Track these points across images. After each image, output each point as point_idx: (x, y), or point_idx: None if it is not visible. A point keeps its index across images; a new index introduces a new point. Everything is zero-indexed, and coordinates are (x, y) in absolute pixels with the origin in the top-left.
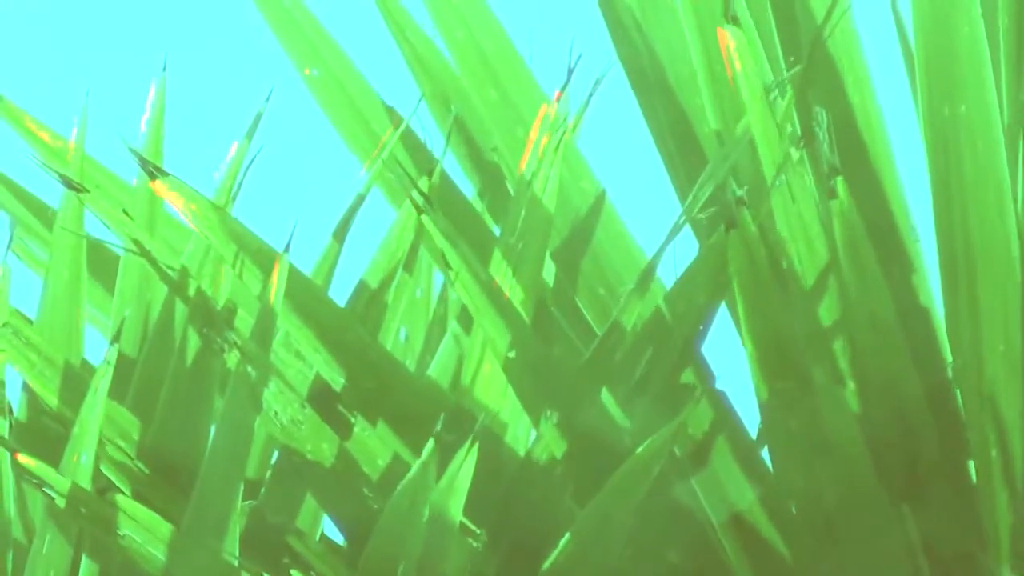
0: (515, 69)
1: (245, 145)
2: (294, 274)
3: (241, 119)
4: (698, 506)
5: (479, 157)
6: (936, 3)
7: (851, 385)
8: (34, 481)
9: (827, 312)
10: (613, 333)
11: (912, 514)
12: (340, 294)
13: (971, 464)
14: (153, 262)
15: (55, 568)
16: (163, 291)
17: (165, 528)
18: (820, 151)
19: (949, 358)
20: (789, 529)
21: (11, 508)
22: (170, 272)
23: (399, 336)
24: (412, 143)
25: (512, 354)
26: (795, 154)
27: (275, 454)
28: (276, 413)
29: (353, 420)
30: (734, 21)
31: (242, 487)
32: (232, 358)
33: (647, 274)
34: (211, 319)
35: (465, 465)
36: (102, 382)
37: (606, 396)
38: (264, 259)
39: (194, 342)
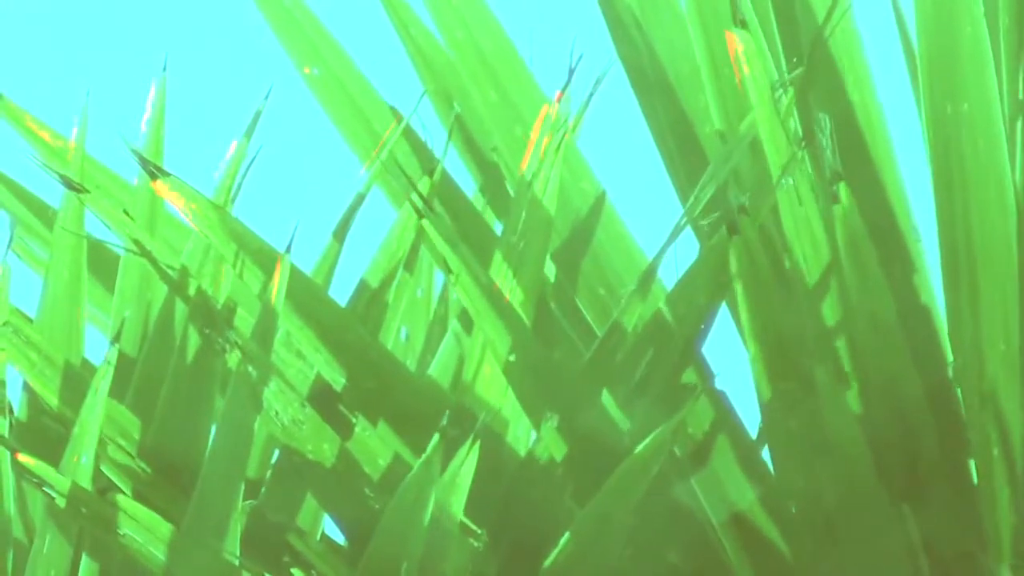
0: (515, 69)
1: (245, 144)
2: (295, 274)
3: (241, 118)
4: (698, 506)
5: (479, 157)
6: (938, 3)
7: (852, 385)
8: (34, 481)
9: (829, 312)
10: (614, 334)
11: (913, 514)
12: (341, 294)
13: (972, 464)
14: (153, 262)
15: (55, 567)
16: (163, 291)
17: (165, 528)
18: (823, 156)
19: (950, 357)
20: (789, 529)
21: (11, 507)
22: (170, 272)
23: (400, 336)
24: (413, 142)
25: (512, 357)
26: (798, 154)
27: (276, 454)
28: (277, 413)
29: (354, 420)
30: (742, 24)
31: (243, 487)
32: (233, 358)
33: (648, 276)
34: (211, 319)
35: (466, 464)
36: (102, 382)
37: (607, 397)
38: (265, 259)
39: (194, 342)
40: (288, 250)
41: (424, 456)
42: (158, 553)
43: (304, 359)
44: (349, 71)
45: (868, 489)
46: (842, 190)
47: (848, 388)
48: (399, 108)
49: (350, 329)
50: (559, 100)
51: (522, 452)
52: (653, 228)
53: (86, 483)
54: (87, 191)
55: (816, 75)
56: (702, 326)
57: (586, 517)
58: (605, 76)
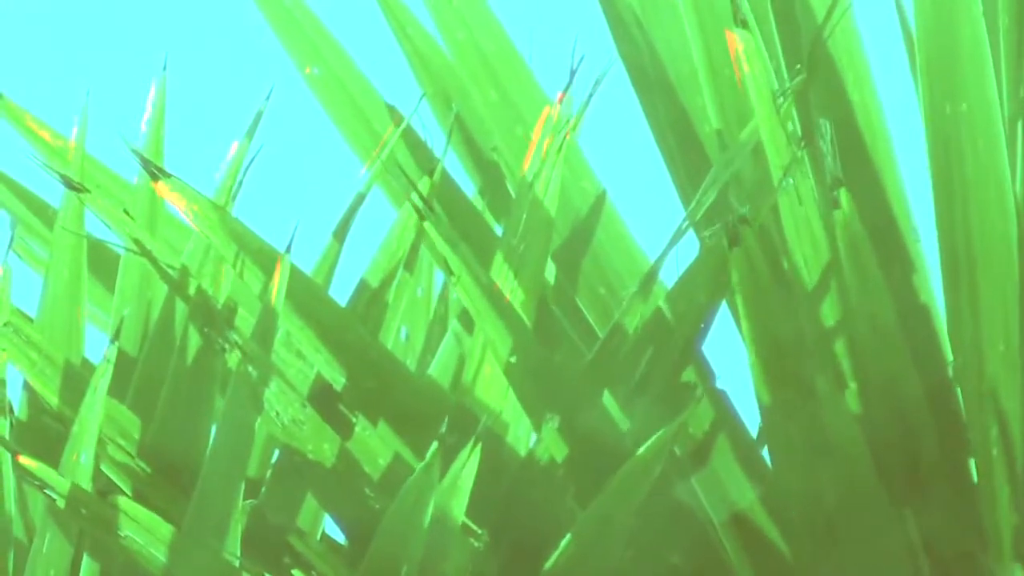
0: (515, 69)
1: (245, 144)
2: (295, 274)
3: (242, 118)
4: (699, 506)
5: (479, 156)
6: (938, 3)
7: (852, 385)
8: (35, 483)
9: (828, 313)
10: (615, 335)
11: (913, 514)
12: (341, 293)
13: (972, 463)
14: (153, 261)
15: (55, 567)
16: (164, 290)
17: (166, 529)
18: (824, 162)
19: (950, 357)
20: (790, 529)
21: (12, 507)
22: (171, 271)
23: (400, 335)
24: (413, 142)
25: (513, 358)
26: (799, 155)
27: (276, 454)
28: (277, 413)
29: (354, 420)
30: (743, 24)
31: (243, 487)
32: (233, 358)
33: (649, 278)
34: (212, 318)
35: (468, 466)
36: (102, 381)
37: (607, 397)
38: (265, 259)
39: (195, 341)
40: (288, 250)
41: (424, 462)
42: (158, 553)
43: (304, 359)
44: (350, 71)
45: (868, 489)
46: (843, 196)
47: (848, 389)
48: (399, 108)
49: (350, 329)
50: (560, 101)
51: (523, 452)
52: (653, 227)
53: (86, 483)
54: (87, 191)
55: (816, 75)
56: (702, 325)
57: (587, 519)
58: (606, 75)
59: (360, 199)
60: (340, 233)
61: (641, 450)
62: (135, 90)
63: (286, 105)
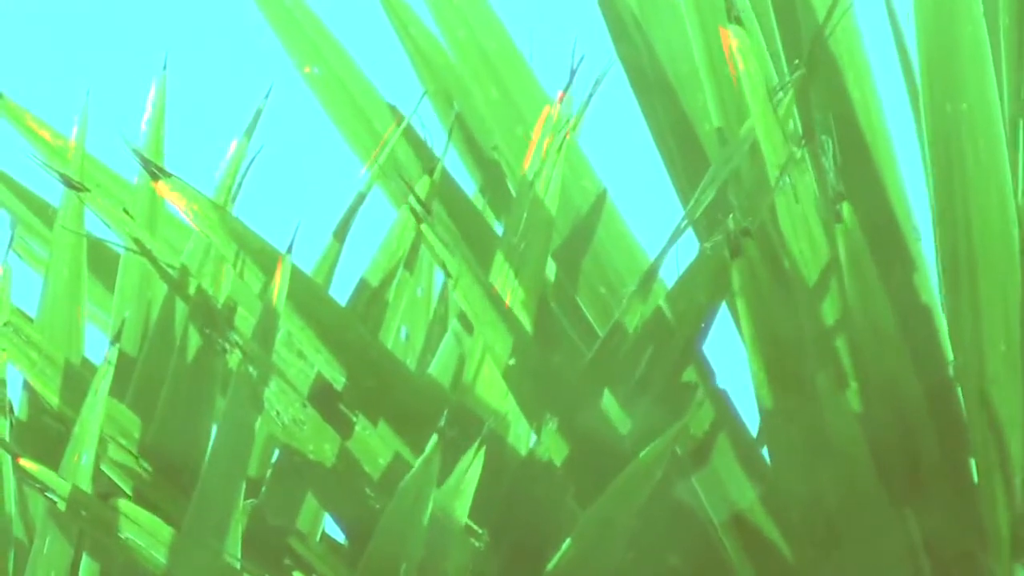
0: (516, 68)
1: (245, 144)
2: (295, 273)
3: (241, 118)
4: (699, 505)
5: (480, 156)
6: (938, 2)
7: (852, 385)
8: (36, 485)
9: (828, 312)
10: (615, 334)
11: (913, 513)
12: (341, 293)
13: (972, 463)
14: (154, 261)
15: (56, 568)
16: (164, 290)
17: (166, 531)
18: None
19: (950, 357)
20: (790, 529)
21: (12, 508)
22: (171, 271)
23: (400, 335)
24: (413, 141)
25: (512, 361)
26: (797, 153)
27: (276, 453)
28: (277, 412)
29: (354, 419)
30: (737, 21)
31: (244, 486)
32: (233, 357)
33: (649, 277)
34: (212, 318)
35: (471, 468)
36: (103, 381)
37: (608, 397)
38: (265, 258)
39: (195, 341)
40: (289, 250)
41: (422, 457)
42: (158, 554)
43: (305, 359)
44: (350, 70)
45: (869, 489)
46: (845, 209)
47: (848, 388)
48: (400, 107)
49: (350, 329)
50: (561, 100)
51: (524, 452)
52: (653, 226)
53: (86, 483)
54: (87, 190)
55: (816, 73)
56: (702, 324)
57: (589, 520)
58: (605, 76)
59: (360, 199)
60: (340, 233)
61: (643, 453)
62: (135, 90)
63: (286, 104)
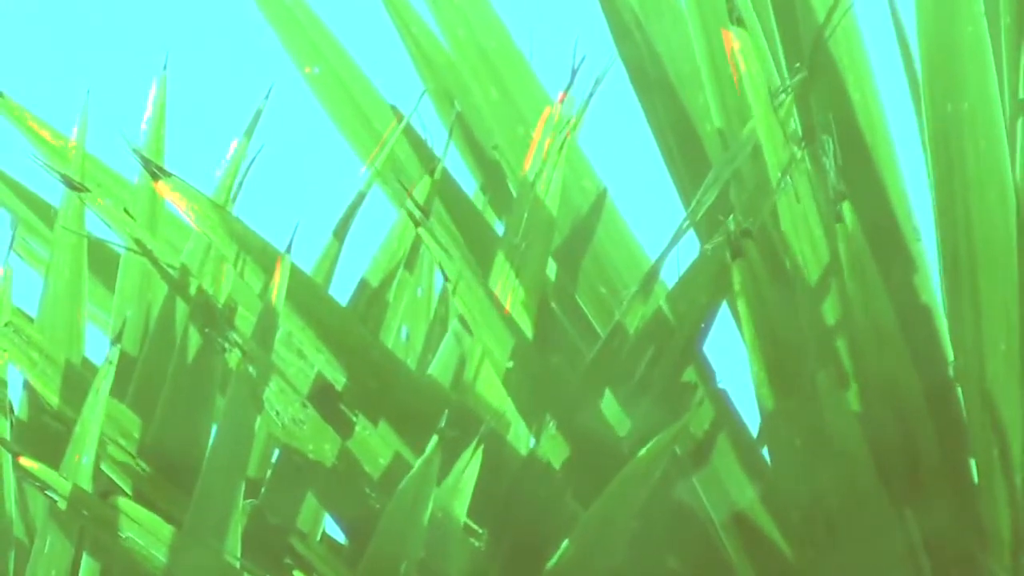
0: (516, 67)
1: (245, 143)
2: (295, 273)
3: (242, 117)
4: (700, 505)
5: (480, 155)
6: (939, 1)
7: (852, 385)
8: (36, 484)
9: (829, 312)
10: (616, 334)
11: (913, 513)
12: (341, 293)
13: (972, 463)
14: (154, 261)
15: (56, 567)
16: (164, 290)
17: (167, 530)
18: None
19: (951, 357)
20: (790, 528)
21: (12, 507)
22: (171, 271)
23: (400, 335)
24: (414, 141)
25: (510, 365)
26: (798, 154)
27: (276, 453)
28: (277, 412)
29: (354, 419)
30: (739, 22)
31: (244, 486)
32: (233, 357)
33: (650, 277)
34: (212, 318)
35: (470, 467)
36: (103, 381)
37: (608, 397)
38: (265, 258)
39: (195, 341)
40: (289, 249)
41: (423, 458)
42: (159, 554)
43: (305, 358)
44: (350, 70)
45: (869, 489)
46: (845, 209)
47: (848, 388)
48: (400, 107)
49: (351, 328)
50: (562, 100)
51: (524, 452)
52: (654, 226)
53: (87, 483)
54: (88, 190)
55: (817, 74)
56: (703, 325)
57: (589, 519)
58: (606, 75)
59: (360, 198)
60: (340, 232)
61: (643, 452)
62: (136, 89)
63: (286, 104)
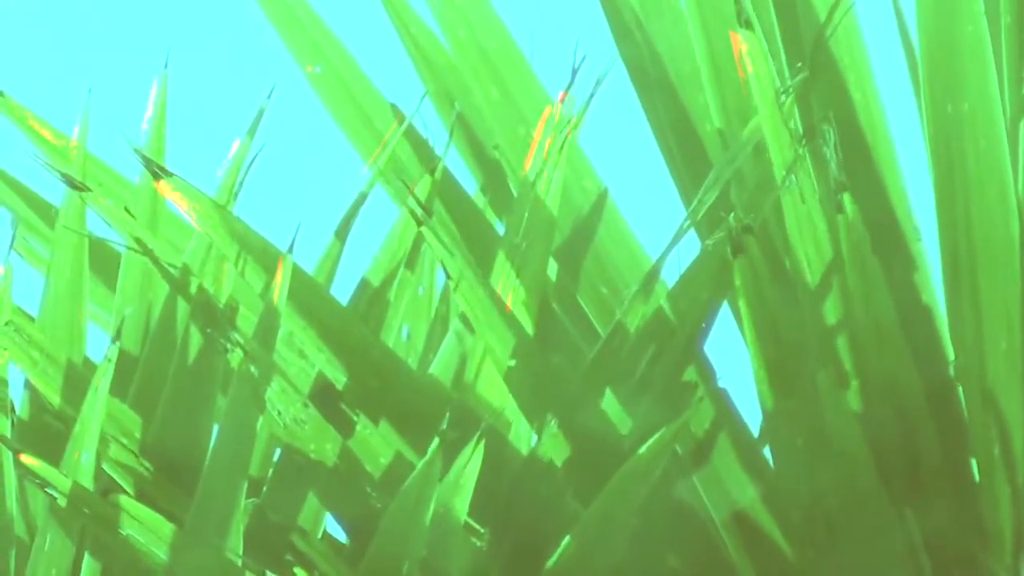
0: (517, 67)
1: (247, 143)
2: (297, 273)
3: (243, 117)
4: (700, 504)
5: (481, 155)
6: (939, 1)
7: (853, 384)
8: (37, 482)
9: (830, 312)
10: (617, 334)
11: (914, 513)
12: (342, 292)
13: (973, 462)
14: (155, 260)
15: (57, 566)
16: (165, 289)
17: (167, 528)
18: (825, 160)
19: (951, 356)
20: (791, 528)
21: (13, 506)
22: (172, 270)
23: (401, 334)
24: (415, 141)
25: (512, 363)
26: (800, 152)
27: (278, 453)
28: (279, 412)
29: (355, 418)
30: (747, 25)
31: (245, 486)
32: (235, 357)
33: (650, 277)
34: (213, 318)
35: (470, 464)
36: (104, 380)
37: (609, 396)
38: (266, 258)
39: (196, 341)
40: (290, 249)
41: (425, 459)
42: (160, 552)
43: (306, 358)
44: (351, 69)
45: (869, 489)
46: (846, 199)
47: (849, 387)
48: (401, 107)
49: (352, 328)
50: (562, 100)
51: (525, 451)
52: (655, 226)
53: (87, 482)
54: (89, 189)
55: (818, 74)
56: (704, 324)
57: (589, 518)
58: (607, 75)
59: (362, 198)
60: (342, 232)
61: (643, 449)
62: (137, 89)
63: (288, 104)
